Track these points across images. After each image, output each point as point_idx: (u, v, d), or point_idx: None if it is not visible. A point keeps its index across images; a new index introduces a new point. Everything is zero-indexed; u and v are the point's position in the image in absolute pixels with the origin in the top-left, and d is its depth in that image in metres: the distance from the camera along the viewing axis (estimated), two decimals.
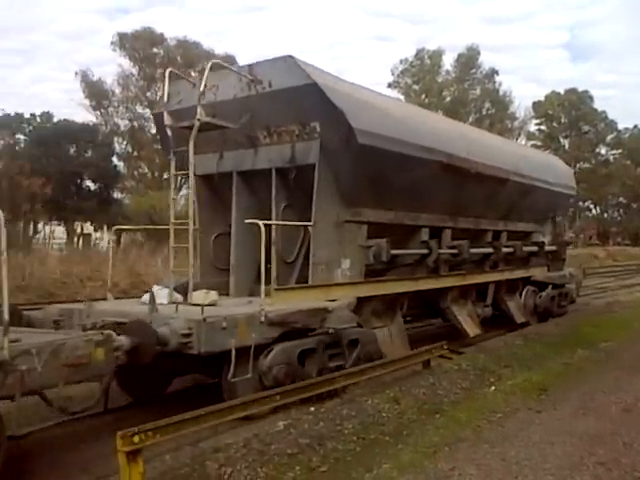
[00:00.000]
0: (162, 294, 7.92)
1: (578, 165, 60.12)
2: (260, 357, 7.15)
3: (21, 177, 33.47)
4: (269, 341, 7.20)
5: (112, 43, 44.08)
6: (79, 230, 43.60)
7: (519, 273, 13.68)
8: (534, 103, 65.01)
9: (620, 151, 69.07)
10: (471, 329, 11.58)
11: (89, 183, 42.43)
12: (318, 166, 8.19)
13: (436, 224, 10.59)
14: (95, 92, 44.20)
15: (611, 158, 69.20)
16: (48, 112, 44.40)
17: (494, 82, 56.51)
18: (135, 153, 45.93)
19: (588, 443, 5.84)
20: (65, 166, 38.57)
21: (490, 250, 12.42)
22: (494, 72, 56.24)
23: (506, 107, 57.31)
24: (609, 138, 68.49)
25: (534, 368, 8.87)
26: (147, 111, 42.72)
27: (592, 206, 69.94)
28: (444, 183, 10.07)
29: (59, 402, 5.62)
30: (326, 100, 7.76)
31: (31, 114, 44.21)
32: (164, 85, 7.86)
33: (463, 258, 11.20)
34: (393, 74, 55.09)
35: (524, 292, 13.92)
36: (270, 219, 8.39)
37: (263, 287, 7.28)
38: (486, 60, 60.90)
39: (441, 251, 10.72)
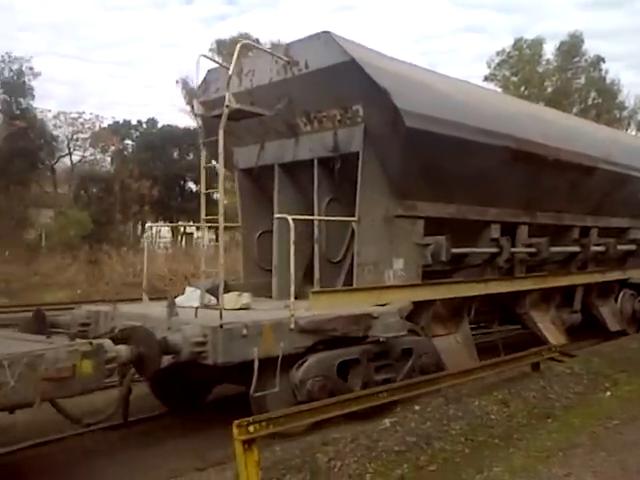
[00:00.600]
0: (194, 296, 7.25)
1: None
2: (292, 369, 6.33)
3: (130, 180, 34.87)
4: (301, 351, 6.34)
5: (210, 50, 44.58)
6: (182, 230, 44.77)
7: (614, 275, 11.99)
8: None
9: None
10: (554, 337, 10.14)
11: (191, 185, 43.33)
12: (362, 154, 7.22)
13: (508, 219, 9.27)
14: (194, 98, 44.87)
15: None
16: (153, 118, 45.50)
17: (600, 70, 52.56)
18: None
19: None
20: (169, 169, 39.81)
21: (577, 249, 10.91)
22: (600, 59, 52.35)
23: (614, 96, 53.24)
24: None
25: None
26: None
27: None
28: (515, 172, 8.77)
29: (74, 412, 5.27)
30: (367, 79, 6.78)
31: (138, 121, 45.45)
32: (197, 72, 7.15)
33: (543, 258, 9.83)
34: (489, 66, 52.50)
35: (620, 296, 12.20)
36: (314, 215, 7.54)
37: (292, 290, 6.42)
38: (590, 47, 56.99)
39: (515, 250, 9.43)
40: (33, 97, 33.81)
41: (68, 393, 4.80)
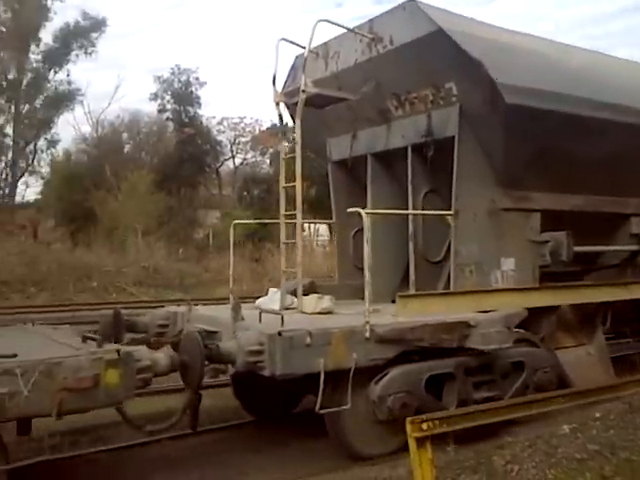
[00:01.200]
0: (276, 298, 6.65)
1: None
2: (371, 383, 5.50)
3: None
4: (380, 363, 5.49)
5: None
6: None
7: None
8: None
9: None
10: None
11: None
12: (458, 138, 6.18)
13: None
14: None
15: None
16: None
17: None
18: None
19: None
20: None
21: None
22: None
23: None
24: None
25: None
26: None
27: None
28: None
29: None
30: (458, 50, 5.74)
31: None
32: (276, 58, 6.52)
33: None
34: None
35: None
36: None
37: (367, 294, 5.56)
38: None
39: None
40: (200, 105, 35.73)
41: (90, 405, 4.35)
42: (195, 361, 4.90)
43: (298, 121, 6.03)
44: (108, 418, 5.74)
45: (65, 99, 41.90)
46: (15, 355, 4.19)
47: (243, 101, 71.07)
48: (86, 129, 50.84)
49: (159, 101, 37.39)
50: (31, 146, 44.07)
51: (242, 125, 40.17)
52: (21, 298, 21.45)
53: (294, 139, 6.41)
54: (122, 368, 4.34)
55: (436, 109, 6.33)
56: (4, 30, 37.92)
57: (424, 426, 4.35)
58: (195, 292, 19.57)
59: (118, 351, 4.38)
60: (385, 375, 5.52)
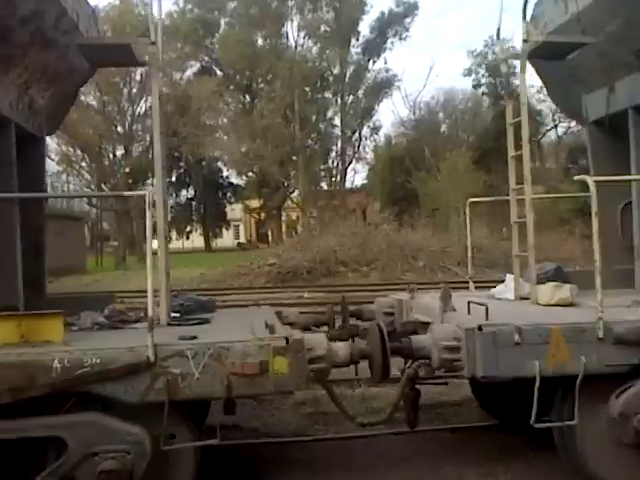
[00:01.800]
0: (511, 287, 5.78)
1: None
2: (611, 396, 4.40)
3: None
4: (622, 370, 4.34)
5: None
6: None
7: None
8: None
9: None
10: None
11: None
12: None
13: None
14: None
15: None
16: None
17: None
18: None
19: None
20: None
21: None
22: None
23: None
24: None
25: None
26: None
27: None
28: None
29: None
30: None
31: None
32: (500, 10, 5.55)
33: None
34: None
35: None
36: None
37: (598, 282, 4.41)
38: None
39: None
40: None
41: (259, 392, 4.20)
42: (377, 353, 4.44)
43: (522, 75, 5.07)
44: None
45: (384, 86, 43.82)
46: (194, 337, 4.26)
47: None
48: (404, 113, 52.42)
49: (473, 76, 36.64)
50: (356, 134, 47.08)
51: None
52: (356, 277, 23.10)
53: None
54: (291, 356, 4.10)
55: None
56: (328, 30, 41.03)
57: None
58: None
59: (287, 339, 4.16)
60: (629, 387, 4.35)
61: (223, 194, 59.11)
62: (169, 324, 5.03)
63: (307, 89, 49.30)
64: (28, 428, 3.88)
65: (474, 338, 4.26)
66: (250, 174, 52.26)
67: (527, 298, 5.52)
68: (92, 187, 49.15)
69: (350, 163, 48.10)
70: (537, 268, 5.65)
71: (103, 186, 47.97)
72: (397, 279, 20.75)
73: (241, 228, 67.67)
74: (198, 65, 54.25)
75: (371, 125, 46.60)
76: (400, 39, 42.41)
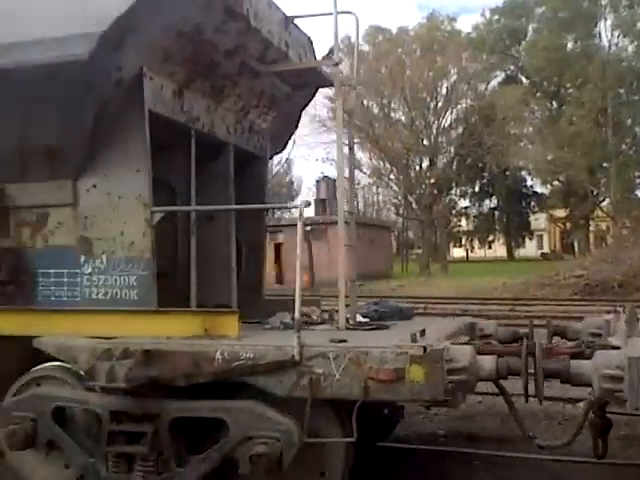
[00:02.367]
0: None
1: None
2: None
3: None
4: None
5: None
6: None
7: None
8: None
9: None
10: None
11: None
12: None
13: None
14: None
15: None
16: None
17: None
18: None
19: None
20: None
21: None
22: None
23: None
24: None
25: None
26: None
27: None
28: None
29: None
30: None
31: None
32: None
33: None
34: None
35: None
36: None
37: None
38: None
39: None
40: None
41: (395, 397, 4.15)
42: (523, 372, 4.01)
43: None
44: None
45: None
46: (344, 340, 4.40)
47: None
48: None
49: None
50: None
51: None
52: None
53: None
54: (428, 365, 3.98)
55: None
56: None
57: None
58: None
59: (425, 348, 4.03)
60: None
61: (527, 203, 57.33)
62: (347, 328, 5.21)
63: (621, 91, 45.46)
64: (198, 409, 4.43)
65: (636, 368, 3.61)
66: (555, 183, 49.85)
67: None
68: (399, 198, 51.71)
69: None
70: None
71: (409, 197, 50.15)
72: None
73: (545, 238, 64.70)
74: (503, 75, 53.63)
75: None
76: None
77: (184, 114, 5.35)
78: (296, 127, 7.13)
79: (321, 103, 40.32)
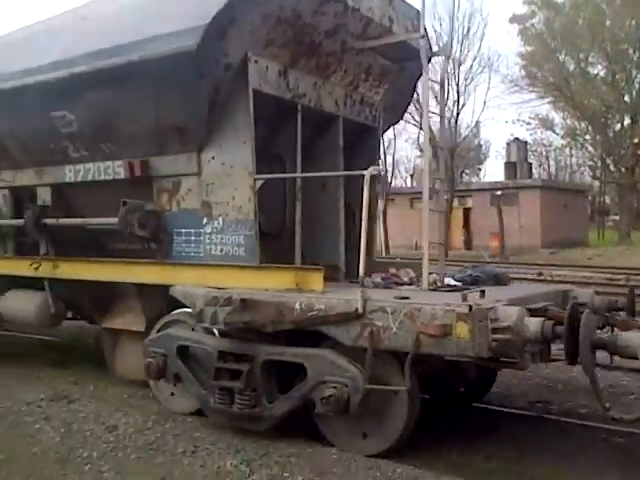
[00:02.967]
0: None
1: None
2: None
3: None
4: None
5: None
6: None
7: None
8: None
9: None
10: None
11: None
12: None
13: None
14: None
15: None
16: None
17: None
18: None
19: None
20: None
21: None
22: None
23: None
24: None
25: None
26: None
27: None
28: None
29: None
30: None
31: None
32: None
33: None
34: None
35: None
36: None
37: None
38: None
39: None
40: None
41: (442, 352, 4.38)
42: (568, 337, 4.03)
43: None
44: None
45: None
46: (406, 298, 4.73)
47: None
48: None
49: None
50: None
51: None
52: None
53: None
54: (472, 323, 4.18)
55: None
56: None
57: None
58: None
59: (470, 306, 4.24)
60: None
61: None
62: (430, 289, 5.48)
63: None
64: (284, 353, 5.05)
65: None
66: None
67: None
68: (595, 160, 48.06)
69: None
70: None
71: (607, 158, 46.39)
72: None
73: None
74: None
75: None
76: None
77: (290, 91, 5.89)
78: (411, 97, 7.33)
79: (513, 62, 38.63)
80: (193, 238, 6.01)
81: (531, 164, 50.51)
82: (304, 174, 6.00)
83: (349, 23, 5.92)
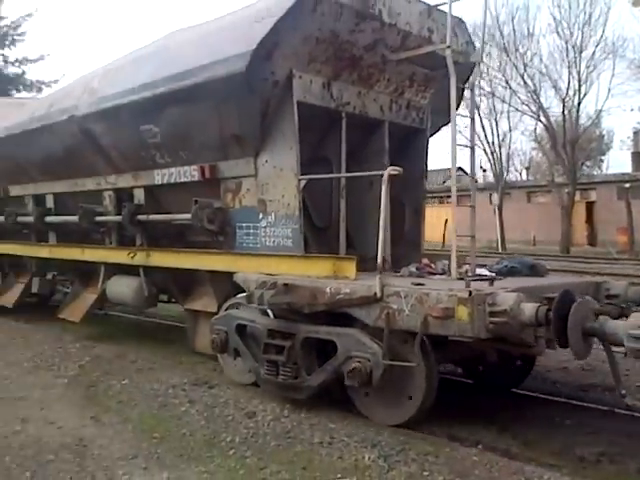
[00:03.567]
0: None
1: None
2: None
3: None
4: None
5: None
6: None
7: None
8: None
9: None
10: None
11: None
12: None
13: None
14: None
15: None
16: None
17: None
18: None
19: None
20: None
21: None
22: None
23: None
24: None
25: None
26: None
27: None
28: None
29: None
30: None
31: None
32: None
33: None
34: None
35: None
36: None
37: None
38: None
39: None
40: None
41: (446, 332, 4.82)
42: (556, 321, 4.33)
43: None
44: None
45: None
46: (421, 284, 5.21)
47: None
48: None
49: None
50: None
51: None
52: None
53: None
54: (471, 307, 4.61)
55: None
56: None
57: None
58: None
59: (470, 292, 4.65)
60: None
61: None
62: (458, 278, 5.88)
63: None
64: (319, 332, 5.68)
65: None
66: None
67: None
68: None
69: None
70: None
71: None
72: None
73: None
74: None
75: None
76: None
77: (334, 101, 6.50)
78: (461, 98, 7.63)
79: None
80: (252, 231, 6.76)
81: None
82: (343, 174, 6.55)
83: (387, 37, 6.42)
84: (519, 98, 33.29)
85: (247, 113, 6.31)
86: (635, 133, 45.77)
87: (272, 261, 6.45)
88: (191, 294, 7.97)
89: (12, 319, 10.54)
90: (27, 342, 8.75)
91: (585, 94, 32.46)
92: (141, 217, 8.02)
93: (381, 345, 5.17)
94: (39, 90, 33.09)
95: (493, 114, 35.12)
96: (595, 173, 52.57)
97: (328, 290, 5.52)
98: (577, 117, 32.91)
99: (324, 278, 5.84)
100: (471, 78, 6.30)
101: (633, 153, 44.46)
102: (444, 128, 7.83)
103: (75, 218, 8.87)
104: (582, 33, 32.00)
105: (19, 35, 33.58)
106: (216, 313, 7.11)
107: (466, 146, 6.10)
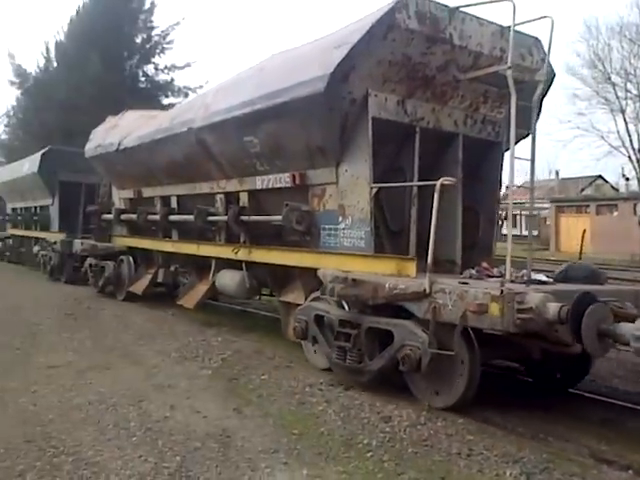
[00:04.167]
0: None
1: None
2: None
3: None
4: None
5: None
6: None
7: None
8: None
9: None
10: None
11: None
12: None
13: None
14: None
15: None
16: None
17: None
18: None
19: None
20: None
21: None
22: None
23: None
24: None
25: None
26: None
27: None
28: None
29: None
30: None
31: None
32: None
33: None
34: None
35: None
36: None
37: None
38: None
39: None
40: None
41: (480, 326, 5.31)
42: (574, 321, 4.68)
43: None
44: None
45: None
46: (466, 284, 5.72)
47: None
48: None
49: None
50: None
51: None
52: None
53: None
54: (502, 304, 5.09)
55: None
56: None
57: None
58: None
59: (502, 290, 5.12)
60: None
61: None
62: (512, 281, 6.27)
63: None
64: (380, 322, 6.34)
65: None
66: None
67: None
68: None
69: None
70: None
71: None
72: None
73: None
74: None
75: None
76: None
77: (408, 116, 7.12)
78: (539, 112, 7.91)
79: None
80: (333, 232, 7.55)
81: None
82: (410, 183, 7.15)
83: (458, 58, 6.94)
84: None
85: (328, 128, 7.11)
86: None
87: (348, 259, 7.19)
88: (284, 287, 8.90)
89: (161, 310, 11.66)
90: (173, 333, 9.41)
91: None
92: (244, 217, 9.06)
93: (429, 335, 5.73)
94: (186, 95, 34.97)
95: None
96: None
97: (387, 285, 6.17)
98: None
99: (388, 275, 6.48)
100: (535, 96, 6.61)
101: None
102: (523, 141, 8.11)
103: (192, 217, 10.11)
104: None
105: (168, 44, 35.90)
106: None
107: (526, 159, 6.44)
